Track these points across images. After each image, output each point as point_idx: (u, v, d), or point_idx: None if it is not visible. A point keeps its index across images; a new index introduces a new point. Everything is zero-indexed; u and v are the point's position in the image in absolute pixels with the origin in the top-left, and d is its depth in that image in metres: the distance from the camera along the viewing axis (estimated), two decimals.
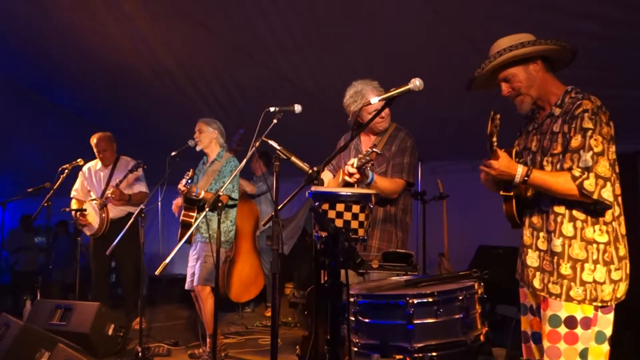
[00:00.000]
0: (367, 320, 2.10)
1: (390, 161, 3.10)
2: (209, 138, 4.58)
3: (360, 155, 2.69)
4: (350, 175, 2.77)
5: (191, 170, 4.26)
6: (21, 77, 7.01)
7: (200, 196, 4.28)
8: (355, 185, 2.80)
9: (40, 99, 7.34)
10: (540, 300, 2.34)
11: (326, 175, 3.38)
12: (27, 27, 5.77)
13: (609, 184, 2.17)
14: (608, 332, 2.27)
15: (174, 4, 4.92)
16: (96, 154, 5.53)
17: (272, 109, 2.90)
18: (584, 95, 2.27)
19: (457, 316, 2.03)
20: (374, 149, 2.65)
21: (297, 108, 2.95)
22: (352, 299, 2.11)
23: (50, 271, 7.80)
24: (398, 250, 2.86)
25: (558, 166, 2.27)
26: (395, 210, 3.10)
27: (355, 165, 2.70)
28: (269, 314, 6.39)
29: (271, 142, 2.73)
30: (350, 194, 2.51)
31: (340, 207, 2.47)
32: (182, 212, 4.48)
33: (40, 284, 5.64)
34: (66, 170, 5.21)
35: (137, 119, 7.15)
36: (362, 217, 2.48)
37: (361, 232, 2.50)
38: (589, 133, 2.18)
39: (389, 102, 2.42)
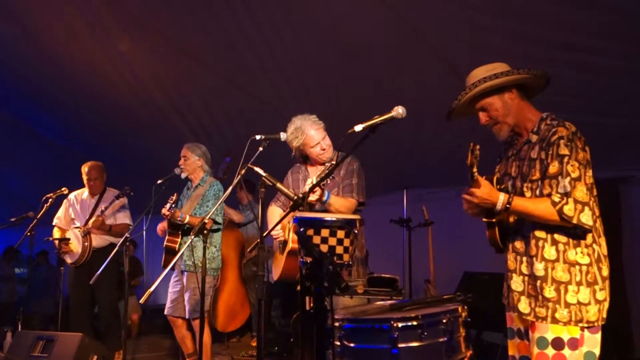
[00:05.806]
0: (352, 344, 2.10)
1: (340, 184, 3.24)
2: (194, 165, 4.57)
3: (319, 173, 2.78)
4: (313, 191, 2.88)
5: (175, 194, 4.25)
6: (5, 106, 7.00)
7: (185, 220, 4.25)
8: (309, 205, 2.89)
9: (24, 128, 7.32)
10: (528, 324, 2.36)
11: (275, 211, 3.48)
12: (11, 55, 5.79)
13: (587, 208, 2.21)
14: (597, 351, 2.29)
15: (159, 32, 4.98)
16: (85, 182, 5.46)
17: (257, 137, 2.94)
18: (559, 122, 2.32)
19: (441, 339, 2.04)
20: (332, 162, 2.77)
21: (283, 136, 2.99)
22: (337, 324, 2.11)
23: (30, 302, 7.64)
24: (383, 275, 2.87)
25: (537, 192, 2.32)
26: None
27: (314, 181, 2.79)
28: (254, 343, 6.30)
29: (257, 169, 2.75)
30: (335, 219, 2.52)
31: (325, 232, 2.47)
32: (166, 237, 4.43)
33: (22, 316, 5.52)
34: (50, 200, 5.13)
35: (121, 147, 7.14)
36: (347, 242, 2.49)
37: (346, 257, 2.50)
38: (566, 159, 2.24)
39: (373, 129, 2.47)
